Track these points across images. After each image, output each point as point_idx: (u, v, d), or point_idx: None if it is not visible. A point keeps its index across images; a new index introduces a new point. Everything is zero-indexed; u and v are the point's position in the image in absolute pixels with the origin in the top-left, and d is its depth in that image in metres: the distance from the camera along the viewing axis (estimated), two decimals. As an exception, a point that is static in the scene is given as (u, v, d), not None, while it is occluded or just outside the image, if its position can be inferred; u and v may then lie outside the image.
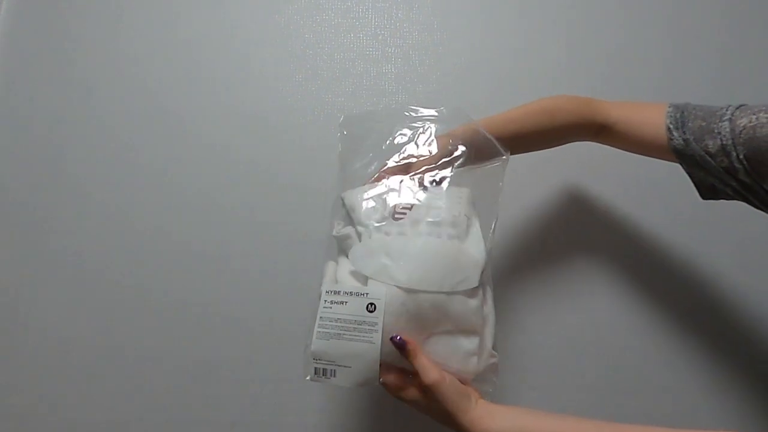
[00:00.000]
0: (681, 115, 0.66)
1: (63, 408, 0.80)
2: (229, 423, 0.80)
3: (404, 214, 0.62)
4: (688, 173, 0.66)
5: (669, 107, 0.67)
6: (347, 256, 0.64)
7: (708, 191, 0.67)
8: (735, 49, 0.93)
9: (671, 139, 0.65)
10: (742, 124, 0.60)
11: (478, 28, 0.94)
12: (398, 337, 0.57)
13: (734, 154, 0.60)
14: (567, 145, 0.81)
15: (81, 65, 0.91)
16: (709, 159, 0.62)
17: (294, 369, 0.82)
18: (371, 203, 0.64)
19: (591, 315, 0.84)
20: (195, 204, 0.86)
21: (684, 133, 0.65)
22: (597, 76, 0.91)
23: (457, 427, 0.56)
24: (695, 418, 0.81)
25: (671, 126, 0.66)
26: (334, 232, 0.65)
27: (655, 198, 0.87)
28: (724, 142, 0.61)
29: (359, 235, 0.64)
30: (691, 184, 0.67)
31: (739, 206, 0.66)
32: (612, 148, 0.75)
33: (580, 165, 0.88)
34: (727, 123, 0.62)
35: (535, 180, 0.88)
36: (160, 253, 0.85)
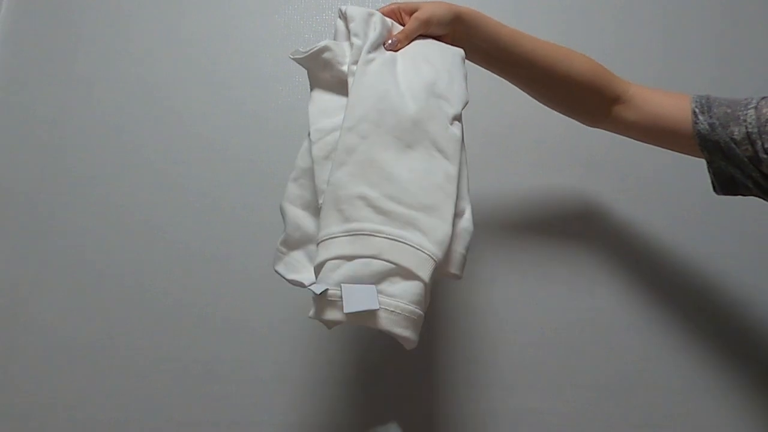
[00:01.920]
0: (707, 101, 0.64)
1: (63, 408, 0.80)
2: (229, 423, 0.80)
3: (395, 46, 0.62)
4: (708, 162, 0.64)
5: (693, 95, 0.65)
6: (323, 88, 0.61)
7: (726, 183, 0.64)
8: (735, 49, 0.93)
9: (696, 123, 0.63)
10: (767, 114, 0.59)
11: (478, 28, 0.94)
12: None
13: (759, 143, 0.59)
14: (569, 142, 0.81)
15: (81, 65, 0.91)
16: (734, 146, 0.61)
17: (294, 369, 0.82)
18: (372, 19, 0.62)
19: (591, 315, 0.84)
20: (195, 204, 0.86)
21: (710, 117, 0.63)
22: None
23: None
24: (695, 418, 0.81)
25: (697, 110, 0.64)
26: (301, 53, 0.62)
27: (656, 197, 0.87)
28: (750, 130, 0.60)
29: (351, 46, 0.61)
30: (694, 183, 0.66)
31: (741, 205, 0.65)
32: (620, 137, 0.72)
33: (581, 164, 0.88)
34: (752, 111, 0.60)
35: (535, 179, 0.88)
36: (159, 252, 0.85)
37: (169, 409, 0.80)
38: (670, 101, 0.66)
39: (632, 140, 0.73)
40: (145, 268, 0.84)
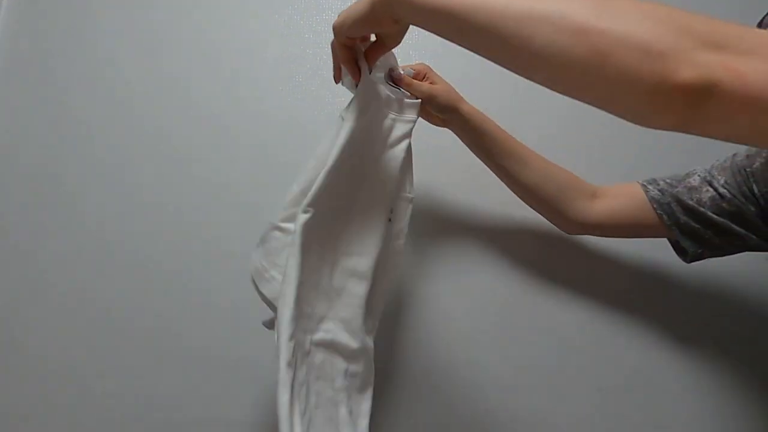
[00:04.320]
0: (651, 179, 0.72)
1: (62, 408, 0.80)
2: (229, 423, 0.80)
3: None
4: (669, 226, 0.69)
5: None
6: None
7: (691, 239, 0.69)
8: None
9: (646, 191, 0.71)
10: (712, 164, 0.69)
11: (478, 28, 0.94)
12: None
13: (716, 182, 0.67)
14: (566, 148, 0.82)
15: (81, 65, 0.91)
16: (695, 191, 0.67)
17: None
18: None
19: (591, 315, 0.84)
20: (196, 203, 0.86)
21: (659, 183, 0.71)
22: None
23: None
24: (696, 418, 0.81)
25: (643, 182, 0.72)
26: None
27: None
28: (703, 176, 0.68)
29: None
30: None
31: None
32: (620, 151, 0.80)
33: (581, 167, 0.88)
34: (698, 168, 0.70)
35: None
36: (160, 252, 0.85)
37: (169, 409, 0.80)
38: (625, 187, 0.74)
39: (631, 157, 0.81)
40: (145, 267, 0.84)
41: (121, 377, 0.81)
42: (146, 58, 0.91)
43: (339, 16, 0.57)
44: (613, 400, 0.81)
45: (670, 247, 0.74)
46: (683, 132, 0.39)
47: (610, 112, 0.40)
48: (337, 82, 0.67)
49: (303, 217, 0.58)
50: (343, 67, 0.63)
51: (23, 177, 0.88)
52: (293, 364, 0.55)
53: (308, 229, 0.58)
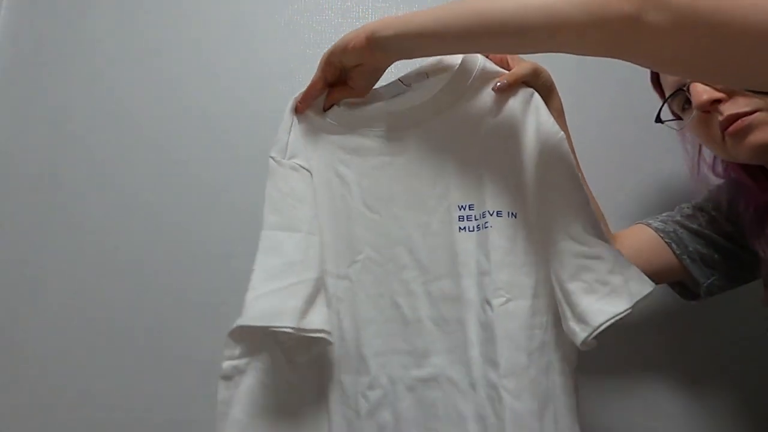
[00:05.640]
0: (650, 218, 0.74)
1: (62, 407, 0.80)
2: (229, 423, 0.80)
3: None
4: (684, 255, 0.69)
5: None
6: None
7: (702, 266, 0.69)
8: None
9: (649, 225, 0.72)
10: (700, 197, 0.73)
11: (478, 28, 0.93)
12: None
13: (707, 207, 0.71)
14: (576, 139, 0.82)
15: (82, 64, 0.92)
16: (693, 219, 0.71)
17: (294, 369, 0.82)
18: None
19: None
20: (197, 202, 0.86)
21: (657, 218, 0.73)
22: (597, 73, 0.91)
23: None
24: (695, 419, 0.81)
25: (645, 221, 0.74)
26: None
27: (658, 196, 0.87)
28: (695, 204, 0.72)
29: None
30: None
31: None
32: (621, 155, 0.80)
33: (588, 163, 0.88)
34: (683, 203, 0.74)
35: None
36: (161, 251, 0.85)
37: (169, 409, 0.80)
38: (631, 229, 0.74)
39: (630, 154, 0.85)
40: (146, 266, 0.84)
41: (121, 378, 0.81)
42: (145, 59, 0.91)
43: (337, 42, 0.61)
44: (613, 400, 0.81)
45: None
46: (631, 46, 0.46)
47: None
48: (300, 112, 0.68)
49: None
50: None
51: (22, 177, 0.88)
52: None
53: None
